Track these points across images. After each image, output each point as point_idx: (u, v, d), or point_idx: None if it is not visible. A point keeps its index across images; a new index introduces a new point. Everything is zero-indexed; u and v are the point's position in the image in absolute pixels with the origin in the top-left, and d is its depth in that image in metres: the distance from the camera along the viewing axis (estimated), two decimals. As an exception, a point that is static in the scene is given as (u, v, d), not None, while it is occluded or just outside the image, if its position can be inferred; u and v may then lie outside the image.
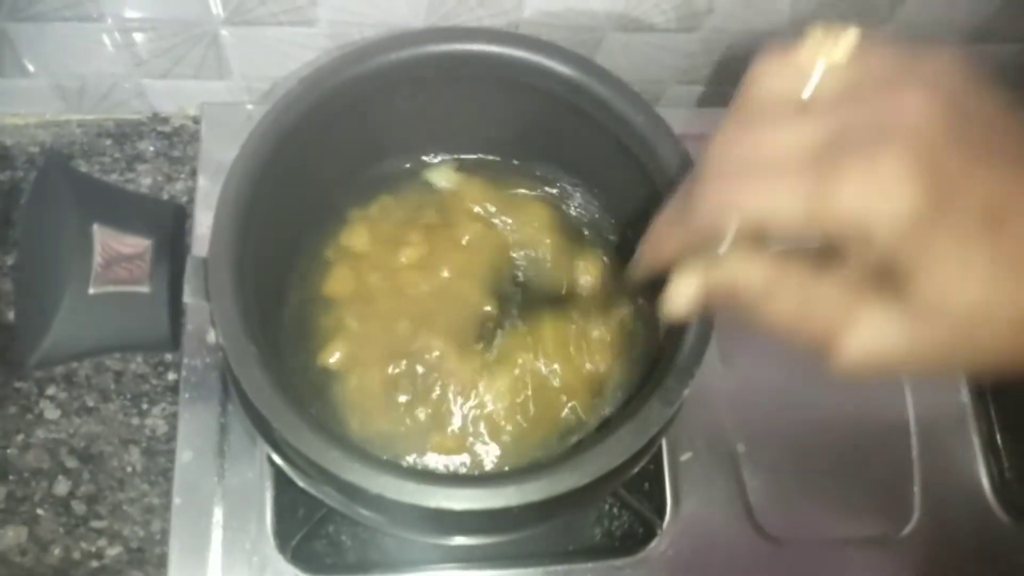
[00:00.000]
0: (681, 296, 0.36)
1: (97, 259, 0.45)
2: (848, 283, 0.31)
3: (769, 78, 0.32)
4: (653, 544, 0.65)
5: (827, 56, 0.31)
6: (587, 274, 0.60)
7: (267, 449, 0.52)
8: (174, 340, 0.47)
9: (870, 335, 0.30)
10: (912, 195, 0.27)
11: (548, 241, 0.60)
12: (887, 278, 0.29)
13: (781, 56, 0.32)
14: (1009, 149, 0.29)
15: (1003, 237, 0.28)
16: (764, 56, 0.33)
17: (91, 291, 0.44)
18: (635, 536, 0.66)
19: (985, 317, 0.29)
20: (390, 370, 0.55)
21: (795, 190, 0.29)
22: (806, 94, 0.31)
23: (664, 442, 0.66)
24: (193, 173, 0.70)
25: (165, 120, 0.75)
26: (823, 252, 0.31)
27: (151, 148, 0.74)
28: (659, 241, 0.36)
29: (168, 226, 0.48)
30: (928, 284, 0.29)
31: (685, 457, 0.67)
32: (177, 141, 0.75)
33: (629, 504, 0.65)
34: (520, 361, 0.56)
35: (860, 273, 0.30)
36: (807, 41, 0.32)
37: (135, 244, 0.46)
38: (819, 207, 0.28)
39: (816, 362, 0.32)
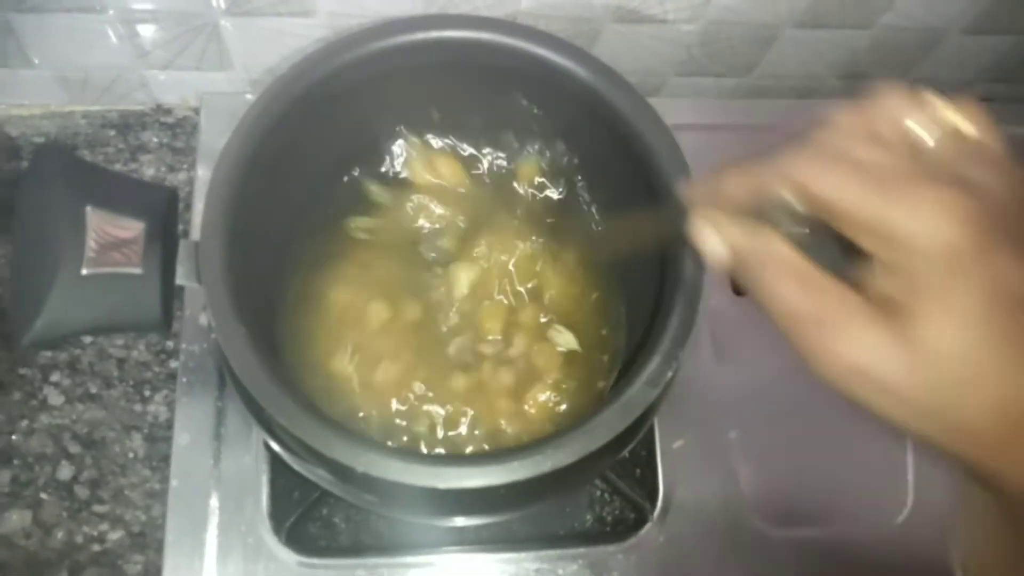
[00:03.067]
0: (714, 247, 0.36)
1: (90, 241, 0.45)
2: (862, 297, 0.32)
3: (898, 109, 0.34)
4: (645, 530, 0.65)
5: (962, 125, 0.33)
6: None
7: (261, 432, 0.53)
8: (166, 322, 0.48)
9: (860, 344, 0.31)
10: (963, 235, 0.29)
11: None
12: (900, 310, 0.30)
13: (919, 100, 0.34)
14: None
15: (1019, 326, 0.29)
16: (903, 91, 0.34)
17: (84, 272, 0.45)
18: (626, 522, 0.66)
19: (975, 384, 0.30)
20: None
21: (865, 188, 0.31)
22: (930, 143, 0.33)
23: (656, 429, 0.67)
24: (195, 164, 0.71)
25: (168, 111, 0.76)
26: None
27: (154, 139, 0.75)
28: (722, 182, 0.37)
29: (161, 209, 0.48)
30: (933, 322, 0.30)
31: (677, 444, 0.67)
32: (180, 132, 0.76)
33: (621, 490, 0.66)
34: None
35: (874, 290, 0.31)
36: (948, 103, 0.34)
37: (128, 227, 0.47)
38: (880, 208, 0.30)
39: (801, 360, 0.33)
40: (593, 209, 0.63)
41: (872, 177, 0.31)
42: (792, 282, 0.33)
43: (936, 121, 0.33)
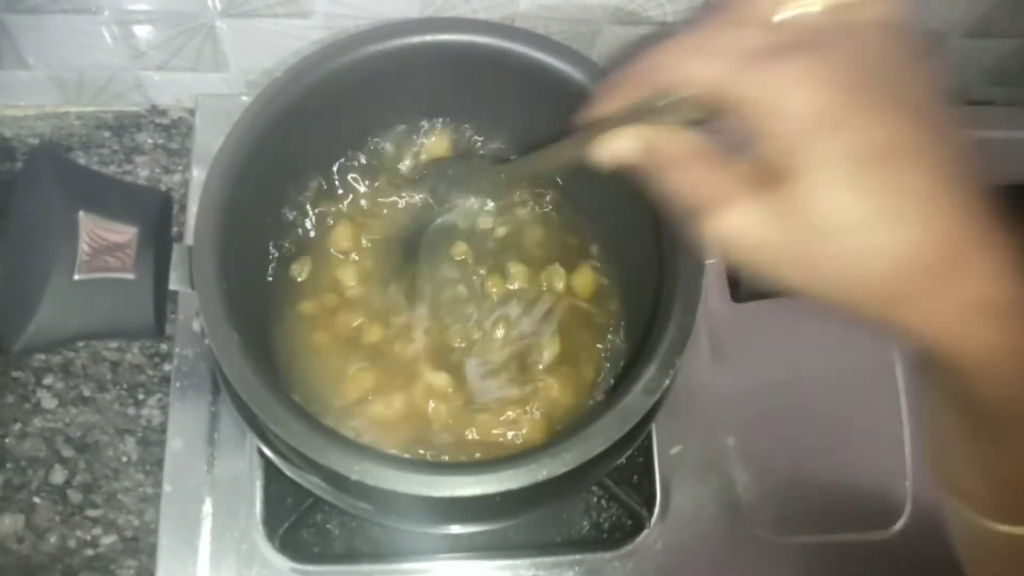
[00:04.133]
0: (610, 144, 0.38)
1: (83, 246, 0.45)
2: (741, 174, 0.33)
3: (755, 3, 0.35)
4: (641, 537, 0.65)
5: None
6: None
7: (255, 438, 0.52)
8: (159, 328, 0.47)
9: (739, 217, 0.33)
10: (823, 97, 0.30)
11: None
12: (774, 175, 0.31)
13: None
14: (914, 98, 0.31)
15: (889, 174, 0.30)
16: None
17: (76, 277, 0.45)
18: (623, 529, 0.66)
19: (857, 241, 0.31)
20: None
21: (726, 66, 0.32)
22: (777, 19, 0.34)
23: (654, 435, 0.66)
24: (191, 165, 0.71)
25: (163, 112, 0.75)
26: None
27: (149, 140, 0.75)
28: (609, 90, 0.39)
29: (154, 214, 0.48)
30: (805, 188, 0.31)
31: (675, 450, 0.67)
32: (175, 133, 0.75)
33: (618, 496, 0.65)
34: None
35: (754, 168, 0.32)
36: None
37: (121, 231, 0.46)
38: (742, 81, 0.32)
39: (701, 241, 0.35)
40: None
41: (734, 56, 0.32)
42: (677, 164, 0.35)
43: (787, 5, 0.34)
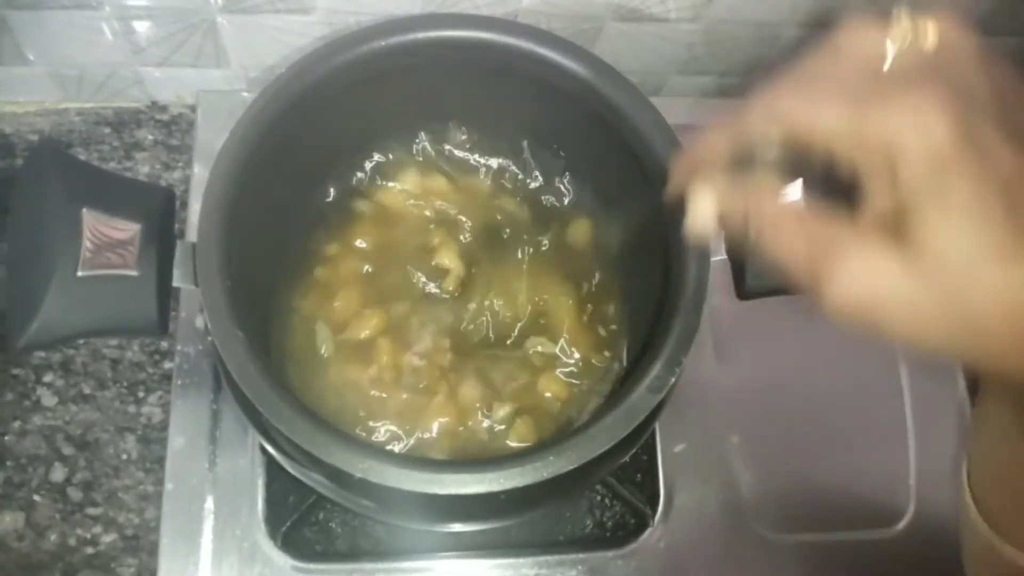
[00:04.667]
0: (701, 214, 0.36)
1: (86, 243, 0.45)
2: (857, 225, 0.31)
3: (854, 41, 0.33)
4: (645, 535, 0.65)
5: (917, 42, 0.32)
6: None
7: (257, 436, 0.52)
8: (162, 324, 0.47)
9: (865, 270, 0.30)
10: (945, 133, 0.28)
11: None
12: (897, 226, 0.30)
13: (871, 25, 0.33)
14: None
15: (1020, 212, 0.28)
16: (854, 21, 0.34)
17: (79, 274, 0.44)
18: (627, 527, 0.66)
19: (989, 281, 0.28)
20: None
21: (842, 108, 0.31)
22: (886, 67, 0.32)
23: (658, 433, 0.66)
24: (191, 162, 0.70)
25: (163, 109, 0.75)
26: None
27: (149, 137, 0.75)
28: (704, 141, 0.37)
29: (158, 210, 0.48)
30: (934, 226, 0.29)
31: (678, 449, 0.67)
32: (175, 130, 0.75)
33: (621, 495, 0.65)
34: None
35: (872, 215, 0.30)
36: (898, 21, 0.33)
37: (124, 228, 0.46)
38: (860, 120, 0.30)
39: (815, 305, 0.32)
40: (590, 206, 0.63)
41: (847, 96, 0.31)
42: (789, 226, 0.32)
43: (903, 34, 0.32)
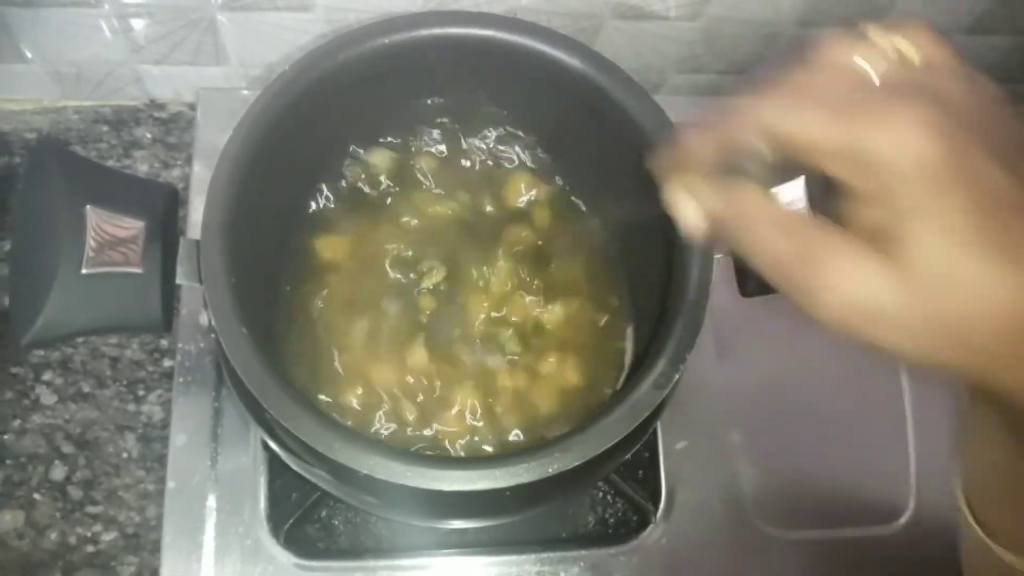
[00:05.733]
0: (683, 215, 0.36)
1: (90, 240, 0.44)
2: (848, 233, 0.31)
3: (838, 53, 0.33)
4: (647, 532, 0.65)
5: (908, 48, 0.32)
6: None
7: (260, 433, 0.52)
8: (166, 322, 0.47)
9: (851, 278, 0.30)
10: (937, 148, 0.28)
11: None
12: (886, 237, 0.29)
13: (854, 39, 0.33)
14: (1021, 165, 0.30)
15: (1007, 229, 0.28)
16: (836, 35, 0.33)
17: (83, 272, 0.44)
18: (629, 524, 0.66)
19: (976, 297, 0.28)
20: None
21: (831, 117, 0.30)
22: (876, 80, 0.32)
23: (660, 430, 0.66)
24: (190, 160, 0.70)
25: (162, 107, 0.75)
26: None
27: (148, 135, 0.74)
28: (685, 143, 0.36)
29: (161, 208, 0.48)
30: (922, 240, 0.29)
31: (680, 445, 0.67)
32: (174, 128, 0.75)
33: (623, 492, 0.65)
34: None
35: (861, 226, 0.30)
36: (881, 33, 0.33)
37: (128, 226, 0.46)
38: (849, 134, 0.29)
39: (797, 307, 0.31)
40: (586, 206, 0.63)
41: (835, 107, 0.30)
42: (773, 231, 0.32)
43: (884, 50, 0.32)
